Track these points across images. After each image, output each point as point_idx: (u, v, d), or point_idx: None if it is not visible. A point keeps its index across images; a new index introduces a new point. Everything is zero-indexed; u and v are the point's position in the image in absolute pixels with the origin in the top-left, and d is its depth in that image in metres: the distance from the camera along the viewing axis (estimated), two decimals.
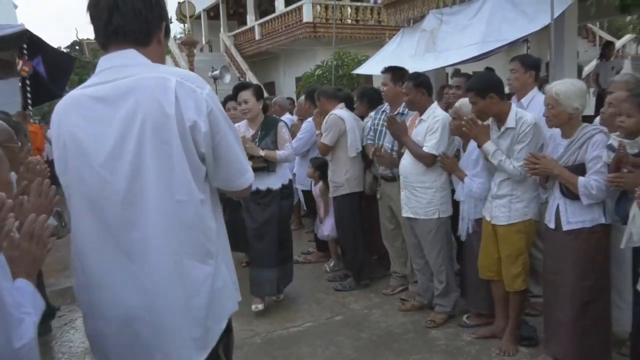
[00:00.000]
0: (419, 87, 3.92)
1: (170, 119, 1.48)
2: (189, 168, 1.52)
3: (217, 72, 14.01)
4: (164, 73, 1.53)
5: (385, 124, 4.17)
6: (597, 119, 3.49)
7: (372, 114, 4.78)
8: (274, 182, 4.24)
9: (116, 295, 1.54)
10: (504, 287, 3.49)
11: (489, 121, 3.46)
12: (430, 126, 3.87)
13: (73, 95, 1.60)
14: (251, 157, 3.88)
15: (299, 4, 18.05)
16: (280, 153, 4.20)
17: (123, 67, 1.55)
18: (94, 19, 1.58)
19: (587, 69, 12.70)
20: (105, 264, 1.54)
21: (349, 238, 4.79)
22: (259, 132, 4.25)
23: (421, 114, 3.99)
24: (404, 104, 4.22)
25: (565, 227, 3.04)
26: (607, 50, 9.64)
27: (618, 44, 15.36)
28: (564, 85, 3.04)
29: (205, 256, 1.58)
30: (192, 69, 15.82)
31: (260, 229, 4.22)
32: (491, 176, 3.52)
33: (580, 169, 2.97)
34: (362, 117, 4.94)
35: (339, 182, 4.73)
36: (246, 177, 1.74)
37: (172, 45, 21.41)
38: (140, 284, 1.52)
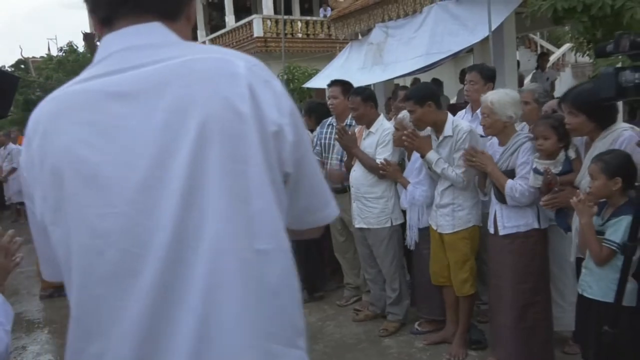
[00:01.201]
0: (367, 101, 4.00)
1: (245, 121, 0.95)
2: (274, 198, 0.98)
3: None
4: (223, 54, 1.01)
5: (335, 136, 4.21)
6: (523, 125, 3.63)
7: (317, 128, 4.82)
8: None
9: None
10: (454, 292, 3.57)
11: (429, 130, 3.57)
12: (381, 139, 3.94)
13: (66, 94, 1.00)
14: None
15: (249, 19, 18.11)
16: None
17: (149, 47, 0.99)
18: None
19: (528, 79, 13.20)
20: None
21: (301, 252, 4.79)
22: None
23: (369, 127, 4.06)
24: (350, 116, 4.29)
25: (501, 232, 3.15)
26: (542, 60, 10.05)
27: (558, 53, 16.05)
28: (498, 95, 3.16)
29: (295, 335, 1.01)
30: None
31: None
32: (434, 184, 3.61)
33: (512, 174, 3.09)
34: (311, 131, 4.98)
35: None
36: (332, 208, 1.19)
37: None
38: None
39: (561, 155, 2.95)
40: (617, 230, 2.33)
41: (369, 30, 8.43)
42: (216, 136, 0.93)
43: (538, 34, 15.74)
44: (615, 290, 2.10)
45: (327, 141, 4.52)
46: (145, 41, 1.00)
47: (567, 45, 16.10)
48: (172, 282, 0.90)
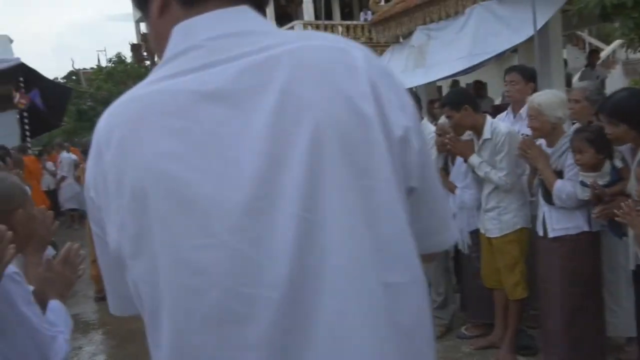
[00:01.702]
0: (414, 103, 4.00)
1: (370, 126, 0.77)
2: (405, 219, 0.80)
3: None
4: (334, 42, 0.83)
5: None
6: (573, 127, 3.55)
7: None
8: None
9: None
10: (505, 295, 3.53)
11: (470, 134, 3.54)
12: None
13: (145, 96, 0.80)
14: None
15: (290, 24, 18.32)
16: None
17: (250, 35, 0.81)
18: None
19: (577, 77, 12.84)
20: None
21: None
22: None
23: None
24: None
25: (550, 234, 3.09)
26: (591, 58, 9.76)
27: (608, 49, 15.53)
28: (546, 96, 3.11)
29: None
30: None
31: None
32: (481, 188, 3.58)
33: (561, 176, 3.03)
34: None
35: None
36: (451, 231, 1.00)
37: None
38: None
39: (606, 166, 2.88)
40: None
41: (410, 33, 8.41)
42: (335, 144, 0.75)
43: (586, 31, 15.27)
44: None
45: None
46: (244, 27, 0.81)
47: (617, 42, 15.56)
48: (291, 330, 0.72)
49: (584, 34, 16.09)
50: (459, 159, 3.73)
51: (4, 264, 1.37)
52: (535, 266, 3.52)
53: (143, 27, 25.43)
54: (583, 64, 11.70)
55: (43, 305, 1.44)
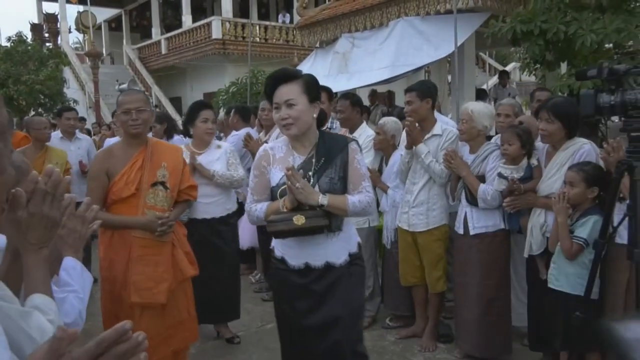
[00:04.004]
0: (355, 106, 4.24)
1: None
2: None
3: (124, 86, 13.62)
4: None
5: None
6: (496, 137, 3.98)
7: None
8: (337, 250, 2.40)
9: None
10: (423, 291, 3.83)
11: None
12: (364, 144, 4.16)
13: None
14: (300, 208, 2.27)
15: (207, 20, 18.07)
16: (354, 200, 2.32)
17: None
18: None
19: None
20: None
21: None
22: (314, 159, 2.37)
23: (352, 132, 4.28)
24: (331, 120, 4.51)
25: (471, 232, 3.45)
26: (503, 78, 10.72)
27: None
28: (479, 106, 3.50)
29: None
30: (95, 81, 15.25)
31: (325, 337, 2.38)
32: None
33: (482, 180, 3.41)
34: None
35: None
36: None
37: (72, 56, 20.44)
38: None
39: (524, 162, 3.28)
40: (585, 228, 2.69)
41: (335, 40, 8.71)
42: None
43: (487, 52, 16.54)
44: (581, 283, 2.41)
45: None
46: None
47: (513, 64, 17.02)
48: None
49: (485, 55, 17.42)
50: (392, 160, 4.01)
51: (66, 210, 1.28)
52: (449, 263, 3.88)
53: (46, 6, 23.80)
54: (482, 81, 12.72)
55: (58, 264, 1.36)
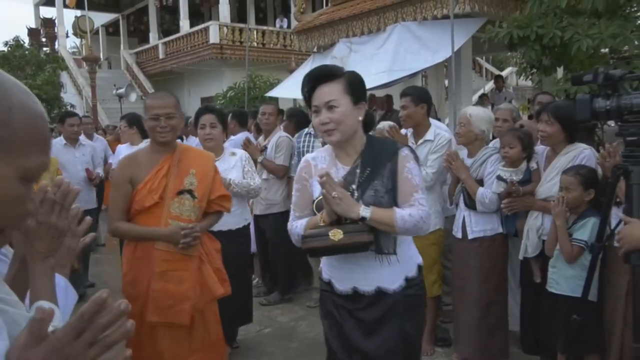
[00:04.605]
0: None
1: None
2: None
3: (122, 90, 13.64)
4: None
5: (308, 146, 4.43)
6: (494, 141, 4.01)
7: (295, 137, 4.99)
8: (391, 274, 2.07)
9: None
10: None
11: (408, 132, 3.83)
12: None
13: None
14: (340, 222, 1.97)
15: (205, 25, 18.11)
16: (403, 214, 1.98)
17: None
18: None
19: (475, 98, 13.98)
20: None
21: (282, 254, 4.88)
22: (359, 169, 2.06)
23: None
24: None
25: (470, 236, 3.46)
26: (498, 82, 10.78)
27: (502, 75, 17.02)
28: (477, 110, 3.51)
29: None
30: (93, 86, 15.26)
31: None
32: None
33: (480, 184, 3.42)
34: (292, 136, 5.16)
35: (275, 200, 4.85)
36: None
37: (69, 60, 20.46)
38: None
39: (523, 165, 3.30)
40: (585, 230, 2.71)
41: (332, 45, 8.74)
42: None
43: (484, 57, 16.62)
44: (582, 285, 2.43)
45: (305, 149, 4.71)
46: None
47: (509, 69, 17.11)
48: None
49: (482, 60, 17.50)
50: None
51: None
52: (446, 267, 3.89)
53: (43, 11, 23.83)
54: (480, 86, 12.77)
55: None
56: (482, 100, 9.86)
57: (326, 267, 2.18)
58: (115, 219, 2.67)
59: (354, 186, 2.00)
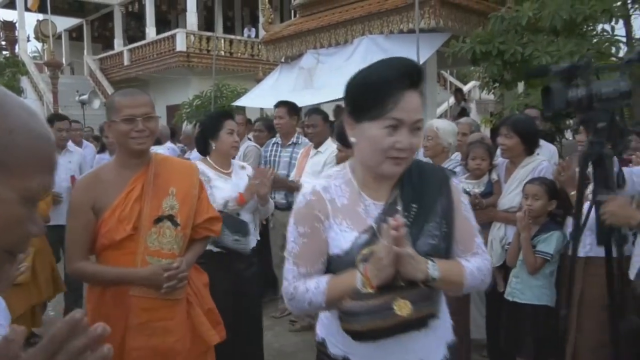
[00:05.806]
0: (326, 121, 4.31)
1: None
2: None
3: (85, 97, 13.36)
4: None
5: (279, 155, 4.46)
6: (457, 153, 4.10)
7: (263, 147, 4.98)
8: (432, 345, 1.50)
9: None
10: None
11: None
12: (329, 159, 4.22)
13: None
14: (387, 285, 1.31)
15: (172, 32, 17.95)
16: (472, 269, 1.47)
17: None
18: None
19: (439, 110, 14.27)
20: None
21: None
22: (400, 206, 1.46)
23: (317, 146, 4.31)
24: (297, 135, 4.55)
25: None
26: (457, 95, 11.05)
27: (465, 89, 17.39)
28: (444, 123, 3.59)
29: None
30: (55, 92, 14.91)
31: None
32: None
33: None
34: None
35: None
36: None
37: (30, 65, 19.94)
38: None
39: (485, 177, 3.39)
40: (549, 243, 2.81)
41: (300, 55, 8.80)
42: None
43: (448, 71, 16.97)
44: (546, 293, 2.51)
45: (272, 158, 4.72)
46: None
47: (472, 83, 17.52)
48: None
49: (446, 74, 17.85)
50: None
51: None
52: None
53: (3, 13, 23.17)
54: (444, 98, 13.05)
55: None
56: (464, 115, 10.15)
57: (339, 339, 1.46)
58: (75, 257, 2.05)
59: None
